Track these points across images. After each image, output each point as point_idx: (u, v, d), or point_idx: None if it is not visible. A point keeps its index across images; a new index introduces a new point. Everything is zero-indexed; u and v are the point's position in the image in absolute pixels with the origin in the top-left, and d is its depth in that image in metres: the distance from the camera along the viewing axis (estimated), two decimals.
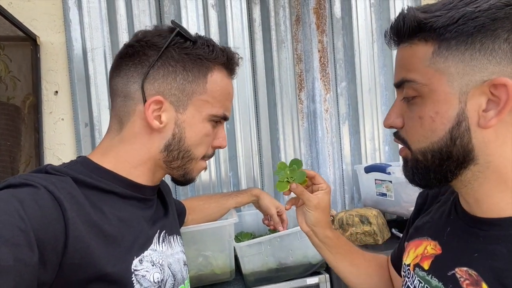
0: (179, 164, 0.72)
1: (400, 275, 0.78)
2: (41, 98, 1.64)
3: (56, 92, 1.67)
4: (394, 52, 1.92)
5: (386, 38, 0.60)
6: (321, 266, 1.33)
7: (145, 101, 0.67)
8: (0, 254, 0.44)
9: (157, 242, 0.72)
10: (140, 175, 0.71)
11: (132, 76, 0.68)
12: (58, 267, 0.53)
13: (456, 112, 0.51)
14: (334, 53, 1.89)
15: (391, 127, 0.62)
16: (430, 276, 0.62)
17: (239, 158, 1.78)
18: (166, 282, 0.70)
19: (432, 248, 0.64)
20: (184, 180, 0.76)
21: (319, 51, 1.87)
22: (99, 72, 1.67)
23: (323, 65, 1.86)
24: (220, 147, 0.78)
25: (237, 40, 1.77)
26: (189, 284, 0.83)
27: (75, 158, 0.71)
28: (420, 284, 0.64)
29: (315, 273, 1.32)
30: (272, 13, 1.82)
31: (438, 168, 0.55)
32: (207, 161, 0.80)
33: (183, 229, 1.25)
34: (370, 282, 0.88)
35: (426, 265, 0.63)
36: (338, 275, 0.91)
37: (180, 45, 0.68)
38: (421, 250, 0.66)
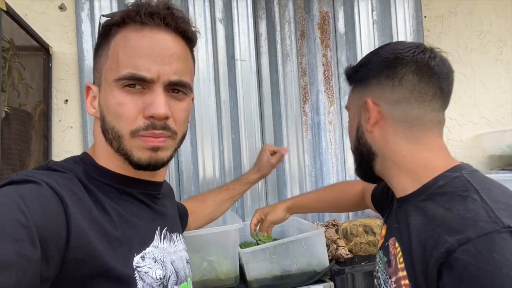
0: (116, 146, 0.64)
1: (374, 208, 1.06)
2: (51, 106, 1.67)
3: (66, 100, 1.71)
4: None
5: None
6: (326, 274, 1.33)
7: None
8: (2, 249, 0.44)
9: (158, 239, 0.71)
10: (117, 167, 0.67)
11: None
12: (61, 263, 0.52)
13: (356, 122, 0.80)
14: (337, 66, 1.94)
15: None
16: (380, 251, 0.83)
17: (244, 168, 1.80)
18: (169, 279, 0.70)
19: (384, 230, 0.85)
20: (131, 163, 0.65)
21: (323, 64, 1.92)
22: None
23: (327, 78, 1.90)
24: (153, 116, 0.63)
25: (244, 54, 1.82)
26: (191, 282, 0.82)
27: (78, 155, 0.71)
28: (378, 258, 0.84)
29: (320, 281, 1.32)
30: (278, 28, 1.88)
31: (362, 161, 0.81)
32: (155, 139, 0.65)
33: (187, 234, 1.25)
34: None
35: (380, 244, 0.85)
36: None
37: (102, 27, 0.67)
38: (382, 233, 0.87)
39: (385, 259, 0.77)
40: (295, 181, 1.86)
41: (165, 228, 0.75)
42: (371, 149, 0.77)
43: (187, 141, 1.74)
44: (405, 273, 0.67)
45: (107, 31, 0.66)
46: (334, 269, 1.33)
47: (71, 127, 1.72)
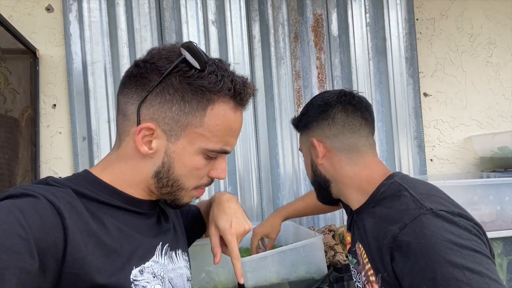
0: (169, 190, 0.70)
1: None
2: (38, 111, 1.62)
3: (54, 105, 1.66)
4: (390, 70, 1.97)
5: None
6: (324, 281, 1.32)
7: (138, 124, 0.66)
8: (1, 261, 0.45)
9: (159, 254, 0.72)
10: (135, 193, 0.71)
11: (131, 97, 0.67)
12: (58, 276, 0.53)
13: (309, 159, 0.97)
14: (331, 70, 1.93)
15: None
16: (349, 255, 0.99)
17: (238, 173, 1.78)
18: None
19: (349, 237, 1.00)
20: (173, 205, 0.74)
21: (317, 67, 1.90)
22: (99, 86, 1.66)
23: (321, 81, 1.89)
24: (218, 178, 0.74)
25: (237, 56, 1.79)
26: None
27: (78, 172, 0.72)
28: (349, 262, 1.00)
29: None
30: (272, 30, 1.86)
31: (321, 189, 0.98)
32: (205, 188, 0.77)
33: None
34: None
35: (348, 249, 1.01)
36: None
37: (184, 73, 0.64)
38: (348, 240, 1.02)
39: (355, 260, 0.94)
40: (290, 185, 1.85)
41: (167, 244, 0.75)
42: (325, 177, 0.94)
43: None
44: (369, 265, 0.83)
45: (203, 92, 0.65)
46: (332, 276, 1.32)
47: (60, 133, 1.66)
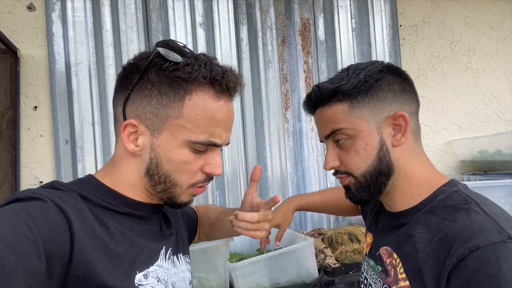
0: (163, 188, 0.69)
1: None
2: (19, 113, 1.56)
3: (35, 107, 1.60)
4: None
5: (304, 107, 0.81)
6: (315, 285, 1.33)
7: None
8: (9, 263, 0.46)
9: (163, 258, 0.72)
10: (136, 196, 0.71)
11: (119, 99, 0.69)
12: (64, 279, 0.54)
13: (378, 140, 0.72)
14: (318, 74, 1.94)
15: (331, 168, 0.79)
16: (369, 258, 0.85)
17: (226, 176, 1.76)
18: None
19: (370, 238, 0.88)
20: (172, 204, 0.72)
21: (304, 71, 1.91)
22: (83, 87, 1.62)
23: (308, 85, 1.90)
24: (212, 174, 0.71)
25: (225, 59, 1.78)
26: None
27: (82, 176, 0.72)
28: (365, 265, 0.86)
29: None
30: (260, 34, 1.85)
31: (375, 183, 0.74)
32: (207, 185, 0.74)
33: None
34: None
35: (367, 251, 0.87)
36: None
37: (159, 67, 0.65)
38: (368, 241, 0.90)
39: (380, 268, 0.79)
40: (277, 188, 1.85)
41: (170, 248, 0.75)
42: (392, 166, 0.73)
43: None
44: (407, 283, 0.69)
45: (178, 83, 0.64)
46: (323, 280, 1.32)
47: (41, 136, 1.61)
